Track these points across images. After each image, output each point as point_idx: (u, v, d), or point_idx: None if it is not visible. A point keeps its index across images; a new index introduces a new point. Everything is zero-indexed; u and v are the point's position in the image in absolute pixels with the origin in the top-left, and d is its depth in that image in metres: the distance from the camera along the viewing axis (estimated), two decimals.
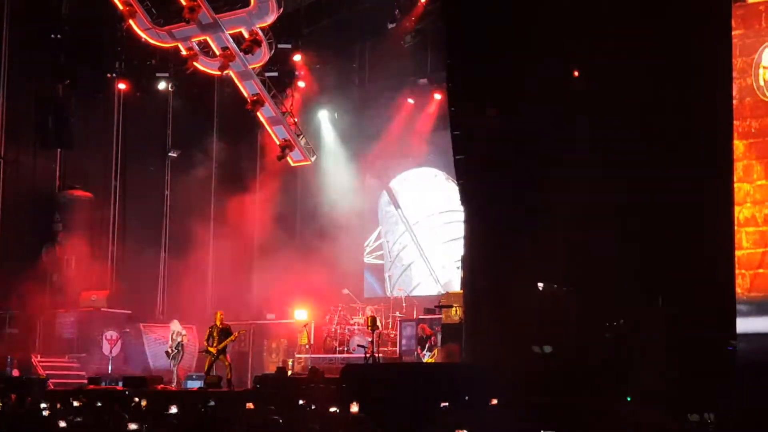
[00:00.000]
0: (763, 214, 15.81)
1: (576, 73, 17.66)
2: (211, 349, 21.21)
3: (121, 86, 27.23)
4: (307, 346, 24.82)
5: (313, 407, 14.73)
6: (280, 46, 25.56)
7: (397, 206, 28.21)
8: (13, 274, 24.90)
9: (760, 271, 15.71)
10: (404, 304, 25.64)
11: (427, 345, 22.50)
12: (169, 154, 28.58)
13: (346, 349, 24.31)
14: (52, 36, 25.73)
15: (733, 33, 16.13)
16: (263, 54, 25.04)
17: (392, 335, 24.49)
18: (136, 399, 16.87)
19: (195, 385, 21.36)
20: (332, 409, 14.01)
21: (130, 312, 25.82)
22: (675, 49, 16.16)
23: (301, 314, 25.36)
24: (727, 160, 16.03)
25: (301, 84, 27.64)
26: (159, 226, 28.37)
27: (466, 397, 14.88)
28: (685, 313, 15.91)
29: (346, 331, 24.74)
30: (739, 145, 16.06)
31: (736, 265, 15.87)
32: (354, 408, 13.85)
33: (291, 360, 24.36)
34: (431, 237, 27.32)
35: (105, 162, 27.42)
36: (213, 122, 29.13)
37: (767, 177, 15.85)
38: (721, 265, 15.88)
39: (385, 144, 27.34)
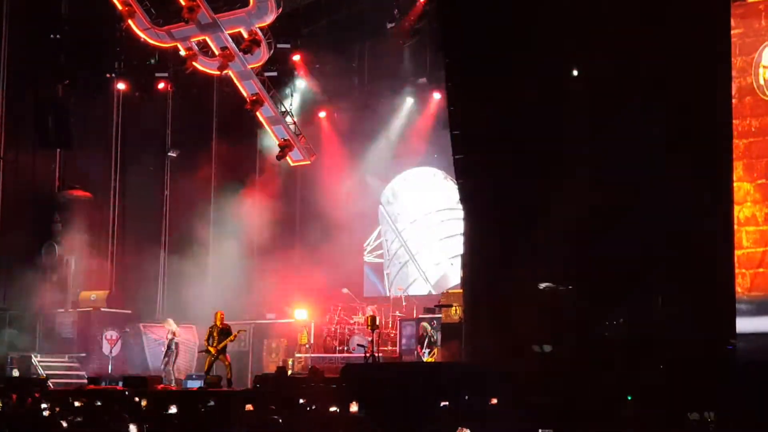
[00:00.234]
0: (764, 213, 15.81)
1: (575, 73, 17.67)
2: (211, 349, 21.23)
3: (121, 86, 27.23)
4: (307, 346, 24.83)
5: (313, 407, 14.72)
6: (279, 45, 25.55)
7: (387, 204, 28.29)
8: (13, 273, 24.93)
9: (761, 270, 15.72)
10: (404, 304, 25.63)
11: (426, 344, 22.49)
12: (169, 153, 28.58)
13: (346, 348, 24.31)
14: (52, 36, 25.75)
15: (732, 32, 16.14)
16: (262, 54, 25.04)
17: (392, 335, 24.49)
18: (137, 399, 16.86)
19: (195, 385, 21.36)
20: (332, 409, 14.00)
21: (130, 312, 25.82)
22: (675, 49, 16.15)
23: (301, 314, 25.36)
24: (727, 159, 16.04)
25: (300, 84, 27.64)
26: (159, 226, 28.37)
27: (466, 397, 14.87)
28: (685, 313, 15.91)
29: (346, 330, 24.73)
30: (739, 144, 16.06)
31: (736, 265, 15.88)
32: (353, 407, 13.85)
33: (291, 359, 24.36)
34: (428, 234, 27.33)
35: (104, 162, 27.42)
36: (212, 122, 29.14)
37: (767, 176, 15.85)
38: (721, 264, 15.89)
39: (385, 143, 27.33)
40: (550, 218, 16.92)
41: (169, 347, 23.31)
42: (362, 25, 26.24)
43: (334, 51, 26.86)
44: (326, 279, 25.64)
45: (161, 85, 27.20)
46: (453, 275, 25.43)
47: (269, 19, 24.43)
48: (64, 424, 11.36)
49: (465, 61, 18.73)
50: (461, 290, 20.18)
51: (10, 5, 25.09)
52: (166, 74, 27.02)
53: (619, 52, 16.50)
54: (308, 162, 27.07)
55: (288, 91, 27.31)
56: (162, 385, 21.13)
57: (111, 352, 24.06)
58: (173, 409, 14.29)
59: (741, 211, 15.96)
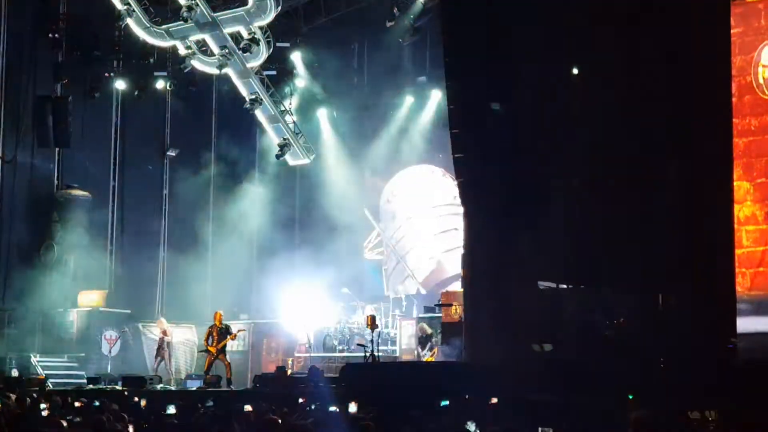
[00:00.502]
0: (763, 212, 15.81)
1: (575, 71, 17.66)
2: (211, 349, 21.23)
3: (120, 85, 27.19)
4: (307, 345, 24.82)
5: (312, 406, 14.71)
6: (278, 44, 25.54)
7: (387, 203, 28.32)
8: (12, 273, 24.88)
9: (761, 269, 15.71)
10: (404, 303, 25.64)
11: (427, 344, 22.47)
12: (168, 153, 28.54)
13: (345, 348, 24.31)
14: (51, 35, 25.68)
15: (732, 31, 16.13)
16: (261, 53, 25.02)
17: (392, 334, 24.48)
18: (136, 398, 16.85)
19: (194, 384, 21.36)
20: (331, 409, 13.99)
21: (129, 312, 25.79)
22: (674, 48, 16.14)
23: (300, 313, 25.35)
24: (727, 158, 16.03)
25: (299, 83, 27.62)
26: (158, 226, 28.33)
27: (466, 396, 14.87)
28: (686, 312, 15.90)
29: (346, 330, 24.72)
30: (738, 143, 16.06)
31: (737, 264, 15.87)
32: (353, 407, 13.83)
33: (290, 359, 24.36)
34: (423, 230, 27.37)
35: (104, 161, 27.37)
36: (211, 121, 29.12)
37: (767, 175, 15.84)
38: (721, 263, 15.88)
39: (384, 142, 27.31)
40: (550, 217, 16.91)
41: (160, 347, 23.35)
42: (362, 24, 26.24)
43: (333, 50, 26.85)
44: (326, 278, 25.62)
45: (160, 85, 27.18)
46: (447, 268, 25.61)
47: (268, 18, 24.41)
48: (64, 424, 11.34)
49: (465, 61, 18.71)
50: (461, 289, 20.16)
51: (8, 4, 25.04)
52: (165, 73, 26.98)
53: (618, 51, 16.48)
54: (307, 161, 27.06)
55: (287, 90, 27.29)
56: (161, 385, 21.16)
57: (110, 352, 24.04)
58: (172, 409, 14.27)
59: (741, 210, 15.96)
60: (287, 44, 26.50)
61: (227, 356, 21.59)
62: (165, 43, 25.51)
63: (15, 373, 22.35)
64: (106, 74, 26.92)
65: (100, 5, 25.16)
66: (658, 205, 16.32)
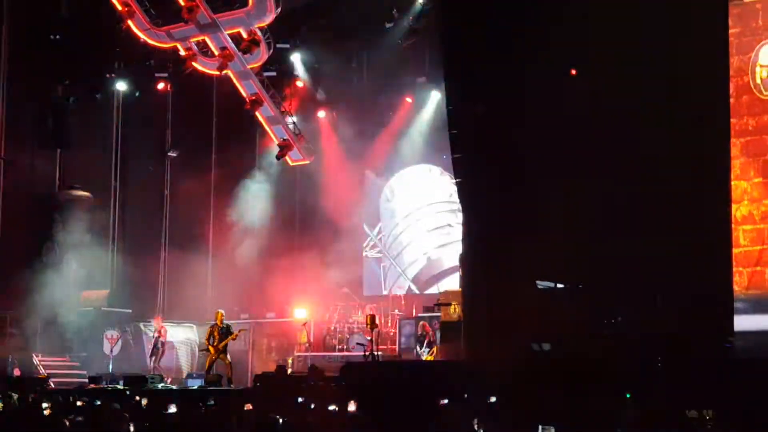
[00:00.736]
0: (761, 212, 15.87)
1: (573, 72, 17.70)
2: (212, 348, 21.31)
3: (120, 86, 27.26)
4: (307, 345, 24.89)
5: (312, 406, 14.76)
6: (278, 45, 25.57)
7: (386, 202, 28.42)
8: (13, 274, 24.93)
9: (758, 268, 15.78)
10: (403, 302, 25.71)
11: (426, 342, 22.53)
12: (169, 153, 28.61)
13: (345, 347, 24.37)
14: (51, 37, 25.75)
15: (729, 31, 16.19)
16: (261, 54, 25.07)
17: (391, 333, 24.54)
18: (137, 398, 16.90)
19: (195, 384, 21.42)
20: (331, 408, 14.04)
21: (130, 311, 25.87)
22: (672, 48, 16.20)
23: (300, 313, 25.43)
24: (724, 158, 16.09)
25: (299, 83, 27.67)
26: (159, 226, 28.41)
27: (466, 395, 14.91)
28: (683, 311, 15.95)
29: (346, 329, 24.80)
30: (736, 143, 16.12)
31: (734, 263, 15.93)
32: (352, 406, 13.88)
33: (291, 358, 24.42)
34: (419, 226, 27.46)
35: (104, 162, 27.44)
36: (212, 122, 29.16)
37: (764, 174, 15.91)
38: (718, 262, 15.94)
39: (384, 142, 27.37)
40: (549, 217, 16.95)
41: (155, 346, 23.43)
42: (361, 25, 26.26)
43: (333, 50, 26.88)
44: (326, 278, 25.69)
45: (161, 86, 27.23)
46: (440, 263, 25.77)
47: (268, 19, 24.46)
48: (66, 423, 11.41)
49: (463, 61, 18.77)
50: (460, 289, 20.22)
51: (9, 6, 25.10)
52: (165, 74, 27.05)
53: (616, 50, 16.53)
54: (307, 162, 27.12)
55: (287, 91, 27.33)
56: (162, 384, 21.21)
57: (111, 351, 24.10)
58: (173, 408, 14.32)
59: (738, 210, 16.03)
60: (287, 45, 26.55)
61: (228, 356, 21.65)
62: (165, 45, 25.55)
63: (17, 372, 22.42)
64: (107, 75, 26.99)
65: (100, 7, 25.18)
66: (656, 205, 16.37)
